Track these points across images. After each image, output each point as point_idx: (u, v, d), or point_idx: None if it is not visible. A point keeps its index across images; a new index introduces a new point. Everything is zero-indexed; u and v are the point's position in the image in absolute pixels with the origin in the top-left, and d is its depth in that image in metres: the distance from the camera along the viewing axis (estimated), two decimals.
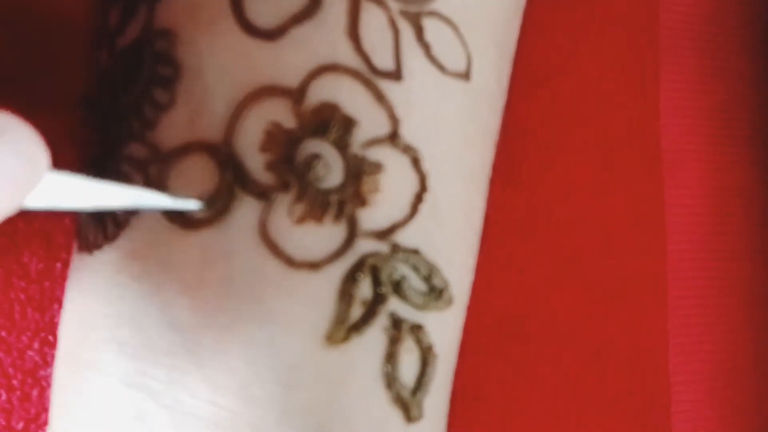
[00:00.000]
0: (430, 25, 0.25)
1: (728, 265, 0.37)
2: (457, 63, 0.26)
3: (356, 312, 0.23)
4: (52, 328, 0.32)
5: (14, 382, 0.32)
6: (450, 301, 0.25)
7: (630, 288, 0.35)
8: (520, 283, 0.34)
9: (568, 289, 0.34)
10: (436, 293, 0.25)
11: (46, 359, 0.32)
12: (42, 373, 0.32)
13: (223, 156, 0.23)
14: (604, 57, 0.34)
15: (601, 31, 0.34)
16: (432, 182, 0.25)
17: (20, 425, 0.32)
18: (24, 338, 0.33)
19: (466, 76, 0.26)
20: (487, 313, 0.33)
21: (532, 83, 0.34)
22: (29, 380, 0.33)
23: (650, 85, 0.35)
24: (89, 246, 0.25)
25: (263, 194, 0.23)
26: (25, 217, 0.33)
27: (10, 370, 0.32)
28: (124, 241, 0.24)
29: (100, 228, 0.25)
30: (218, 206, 0.24)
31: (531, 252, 0.34)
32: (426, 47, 0.25)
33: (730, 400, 0.37)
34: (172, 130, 0.24)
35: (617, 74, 0.34)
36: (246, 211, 0.23)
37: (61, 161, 0.33)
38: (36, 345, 0.33)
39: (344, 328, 0.23)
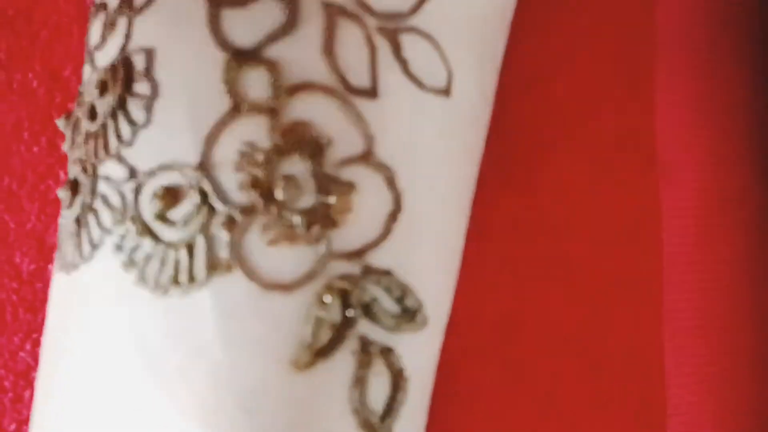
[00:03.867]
0: (408, 41, 0.25)
1: (724, 267, 0.36)
2: (436, 79, 0.25)
3: (324, 336, 0.23)
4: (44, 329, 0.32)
5: (6, 383, 0.33)
6: (424, 322, 0.25)
7: (625, 291, 0.34)
8: (515, 286, 0.33)
9: (563, 292, 0.34)
10: (410, 315, 0.24)
11: (38, 361, 0.33)
12: (34, 374, 0.33)
13: (199, 176, 0.23)
14: (599, 59, 0.34)
15: (596, 32, 0.34)
16: (407, 201, 0.24)
17: (12, 427, 0.33)
18: (16, 339, 0.33)
19: (446, 92, 0.25)
20: (482, 315, 0.33)
21: (526, 85, 0.33)
22: (21, 382, 0.33)
23: (646, 87, 0.34)
24: (67, 266, 0.25)
25: (238, 215, 0.23)
26: (17, 218, 0.33)
27: (2, 371, 0.33)
28: (97, 262, 0.24)
29: (77, 247, 0.25)
30: (192, 227, 0.23)
31: (526, 255, 0.34)
32: (404, 63, 0.25)
33: (727, 403, 0.36)
34: (149, 149, 0.24)
35: (613, 76, 0.34)
36: (220, 232, 0.23)
37: (47, 178, 0.33)
38: (28, 346, 0.33)
39: (310, 353, 0.23)
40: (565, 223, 0.34)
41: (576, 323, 0.34)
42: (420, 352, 0.25)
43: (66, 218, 0.26)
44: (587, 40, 0.34)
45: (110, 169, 0.24)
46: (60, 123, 0.27)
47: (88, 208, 0.25)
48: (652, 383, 0.35)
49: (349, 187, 0.24)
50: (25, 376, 0.33)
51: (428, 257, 0.25)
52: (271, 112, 0.23)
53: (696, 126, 0.35)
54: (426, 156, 0.25)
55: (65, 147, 0.27)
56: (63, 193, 0.26)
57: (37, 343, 0.33)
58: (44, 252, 0.33)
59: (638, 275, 0.35)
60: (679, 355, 0.35)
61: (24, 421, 0.33)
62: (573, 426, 0.34)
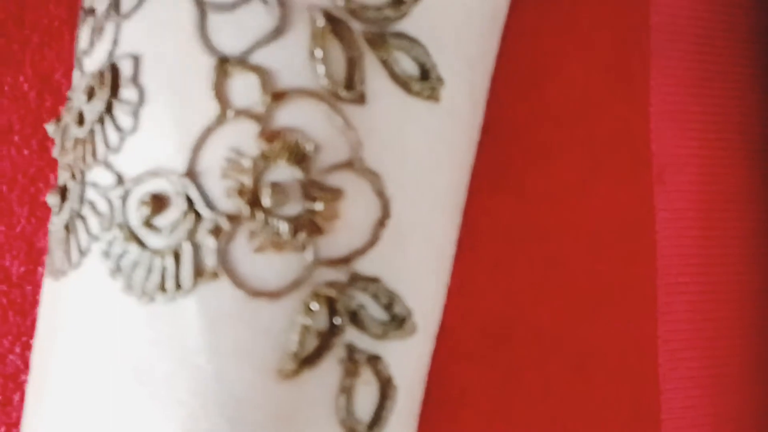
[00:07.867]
0: (395, 45, 0.25)
1: (718, 270, 0.36)
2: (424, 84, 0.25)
3: (310, 344, 0.23)
4: (33, 332, 0.32)
5: None
6: (413, 330, 0.24)
7: (619, 293, 0.34)
8: (508, 288, 0.33)
9: (557, 295, 0.34)
10: (398, 322, 0.24)
11: (28, 364, 0.33)
12: (23, 377, 0.33)
13: (185, 183, 0.23)
14: (593, 60, 0.33)
15: (591, 33, 0.33)
16: (395, 207, 0.24)
17: (2, 430, 0.33)
18: (5, 342, 0.33)
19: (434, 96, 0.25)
20: (474, 318, 0.33)
21: (520, 87, 0.33)
22: (10, 385, 0.33)
23: (640, 89, 0.34)
24: (55, 272, 0.25)
25: (224, 222, 0.23)
26: (6, 220, 0.33)
27: None
28: (85, 268, 0.24)
29: (66, 254, 0.25)
30: (178, 234, 0.23)
31: (519, 257, 0.33)
32: (391, 69, 0.24)
33: (721, 406, 0.36)
34: (136, 156, 0.24)
35: (607, 78, 0.34)
36: (206, 239, 0.23)
37: (37, 181, 0.33)
38: (17, 349, 0.33)
39: (296, 361, 0.23)
40: (559, 226, 0.34)
41: (570, 327, 0.34)
42: (409, 359, 0.25)
43: (55, 224, 0.26)
44: (581, 42, 0.33)
45: (98, 175, 0.24)
46: (49, 128, 0.27)
47: (77, 214, 0.25)
48: (647, 387, 0.35)
49: (336, 193, 0.23)
50: (14, 379, 0.33)
51: (417, 263, 0.25)
52: (258, 118, 0.23)
53: (691, 128, 0.35)
54: (414, 161, 0.25)
55: (55, 152, 0.27)
56: (52, 199, 0.26)
57: (26, 347, 0.33)
58: (34, 255, 0.33)
59: (632, 278, 0.34)
60: (673, 359, 0.35)
61: (13, 425, 0.33)
62: (565, 430, 0.34)
